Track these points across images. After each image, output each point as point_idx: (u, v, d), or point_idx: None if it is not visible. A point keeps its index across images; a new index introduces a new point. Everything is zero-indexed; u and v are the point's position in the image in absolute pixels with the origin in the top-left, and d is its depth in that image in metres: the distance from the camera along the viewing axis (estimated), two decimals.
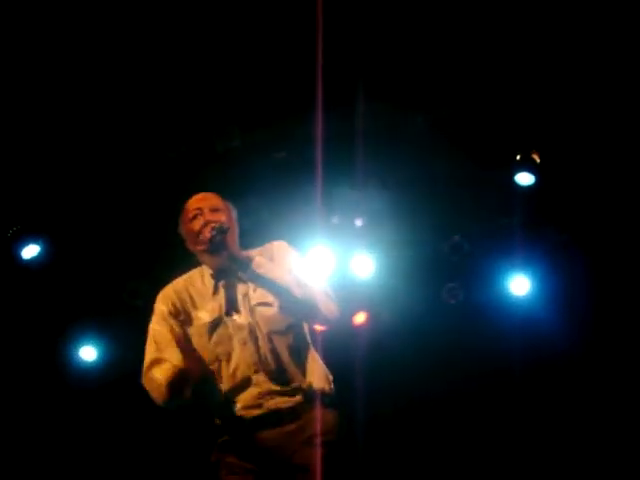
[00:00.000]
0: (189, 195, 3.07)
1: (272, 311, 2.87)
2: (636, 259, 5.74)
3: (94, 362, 6.14)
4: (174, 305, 2.99)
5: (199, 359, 2.87)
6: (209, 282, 2.99)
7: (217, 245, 2.83)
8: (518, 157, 5.49)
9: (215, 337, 2.88)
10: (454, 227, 5.85)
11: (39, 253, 5.53)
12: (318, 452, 2.72)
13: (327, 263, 5.50)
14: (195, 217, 2.93)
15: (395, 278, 5.75)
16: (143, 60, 4.88)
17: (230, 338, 2.87)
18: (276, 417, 2.82)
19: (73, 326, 6.04)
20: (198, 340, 2.92)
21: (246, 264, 2.82)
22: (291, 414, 2.82)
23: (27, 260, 5.53)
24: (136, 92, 5.03)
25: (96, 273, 5.84)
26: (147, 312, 5.86)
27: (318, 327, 2.98)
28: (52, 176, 5.42)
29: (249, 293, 2.92)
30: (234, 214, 3.05)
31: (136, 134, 5.27)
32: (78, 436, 6.36)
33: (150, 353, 2.96)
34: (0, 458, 6.05)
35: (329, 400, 2.91)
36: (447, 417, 6.20)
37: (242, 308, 2.89)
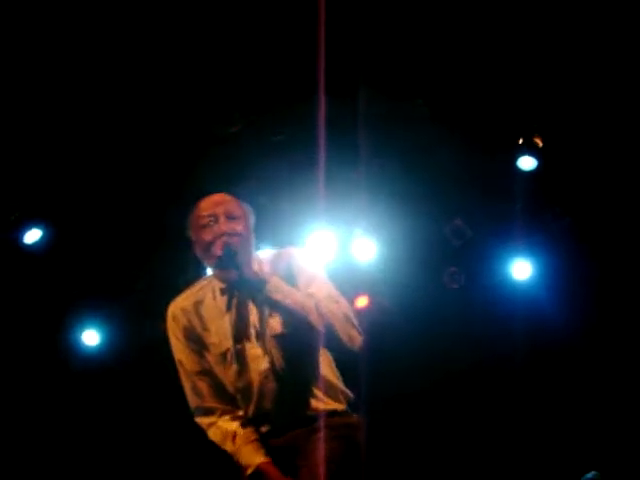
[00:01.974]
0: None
1: (291, 342, 2.66)
2: (638, 244, 5.74)
3: (97, 346, 6.16)
4: (185, 328, 2.78)
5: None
6: (220, 299, 2.73)
7: (227, 263, 2.57)
8: (520, 141, 5.47)
9: (234, 367, 2.71)
10: (456, 211, 5.84)
11: (41, 238, 5.54)
12: (335, 447, 2.64)
13: (328, 247, 5.50)
14: (208, 225, 2.63)
15: (397, 262, 5.74)
16: (144, 43, 4.87)
17: (249, 369, 2.69)
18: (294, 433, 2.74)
19: (75, 311, 6.05)
20: (215, 367, 2.76)
21: (260, 287, 2.56)
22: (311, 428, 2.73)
23: (29, 245, 5.54)
24: (136, 76, 5.02)
25: (98, 257, 5.84)
26: (149, 296, 5.91)
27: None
28: (54, 161, 5.41)
29: (265, 318, 2.68)
30: (252, 219, 2.76)
31: (136, 119, 5.26)
32: (80, 421, 6.38)
33: (191, 397, 2.83)
34: (2, 442, 6.09)
35: (352, 408, 2.80)
36: (449, 402, 6.22)
37: (257, 336, 2.68)
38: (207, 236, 2.62)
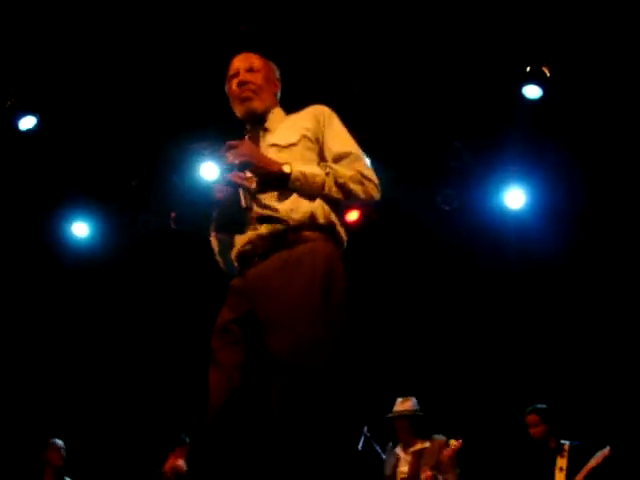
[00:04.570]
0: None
1: (281, 153, 2.84)
2: (633, 181, 5.75)
3: (85, 238, 6.19)
4: None
5: None
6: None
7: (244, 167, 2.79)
8: (528, 69, 5.40)
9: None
10: (456, 133, 5.79)
11: (36, 125, 5.48)
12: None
13: None
14: (232, 77, 3.00)
15: (391, 177, 5.69)
16: None
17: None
18: (261, 246, 2.76)
19: (66, 202, 6.05)
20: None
21: (281, 181, 2.75)
22: (276, 242, 2.75)
23: (24, 131, 5.49)
24: None
25: (93, 150, 5.80)
26: (142, 192, 5.91)
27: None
28: (56, 51, 5.30)
29: (267, 139, 2.94)
30: (274, 73, 3.05)
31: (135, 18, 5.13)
32: (65, 311, 6.45)
33: None
34: None
35: (328, 232, 2.79)
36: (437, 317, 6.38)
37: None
38: (232, 85, 3.00)
